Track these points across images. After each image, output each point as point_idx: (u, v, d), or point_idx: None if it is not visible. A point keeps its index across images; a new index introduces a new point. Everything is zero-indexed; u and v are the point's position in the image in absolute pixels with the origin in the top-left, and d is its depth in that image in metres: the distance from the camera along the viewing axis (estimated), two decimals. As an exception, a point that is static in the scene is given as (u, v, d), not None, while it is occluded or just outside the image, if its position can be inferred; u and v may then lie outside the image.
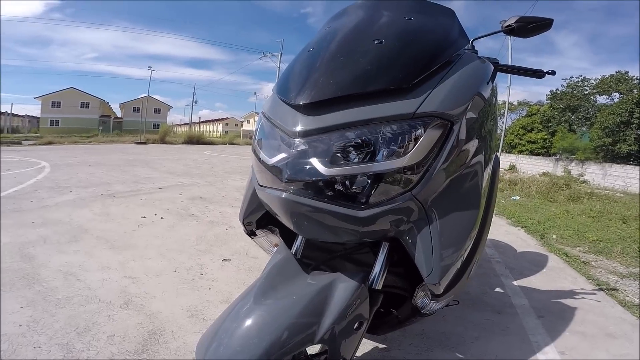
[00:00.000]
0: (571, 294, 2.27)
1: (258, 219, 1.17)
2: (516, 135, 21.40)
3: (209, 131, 50.44)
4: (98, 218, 3.37)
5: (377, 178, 0.76)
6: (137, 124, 29.87)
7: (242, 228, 1.23)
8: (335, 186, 0.78)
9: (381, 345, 1.57)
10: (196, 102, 40.92)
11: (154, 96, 40.40)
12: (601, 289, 2.35)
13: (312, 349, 0.96)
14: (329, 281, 0.86)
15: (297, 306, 0.80)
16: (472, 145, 0.89)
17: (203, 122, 55.79)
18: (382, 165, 0.75)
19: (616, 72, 19.66)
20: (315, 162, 0.77)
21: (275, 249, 1.11)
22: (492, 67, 1.10)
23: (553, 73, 1.33)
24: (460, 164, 0.86)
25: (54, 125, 33.63)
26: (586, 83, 20.85)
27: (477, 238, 1.00)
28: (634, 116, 14.77)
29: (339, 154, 0.77)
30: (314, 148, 0.79)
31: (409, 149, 0.76)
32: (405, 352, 1.54)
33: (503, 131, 16.91)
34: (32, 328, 1.53)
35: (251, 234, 1.25)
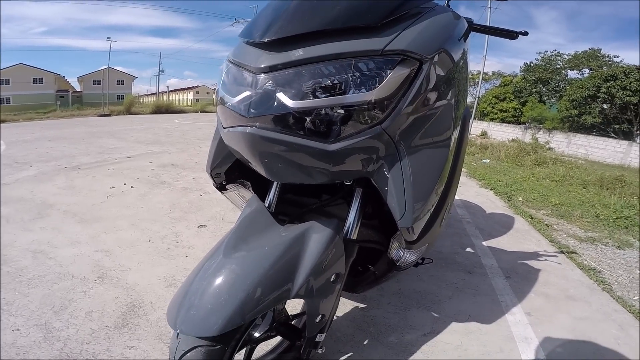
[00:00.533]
0: (535, 255, 2.40)
1: (227, 171, 1.13)
2: (489, 104, 21.98)
3: (179, 100, 48.35)
4: (63, 192, 3.19)
5: (347, 113, 0.75)
6: (98, 97, 28.03)
7: (211, 181, 1.19)
8: (304, 122, 0.75)
9: (361, 305, 1.63)
10: (163, 71, 38.91)
11: (116, 67, 38.01)
12: (562, 252, 2.50)
13: (293, 310, 0.97)
14: (302, 231, 0.84)
15: (270, 258, 0.78)
16: (441, 89, 0.88)
17: (172, 91, 53.28)
18: (351, 98, 0.74)
19: (589, 49, 20.40)
20: (281, 97, 0.75)
21: (247, 204, 1.08)
22: (466, 24, 1.09)
23: (525, 33, 1.33)
24: (428, 104, 0.85)
25: (5, 103, 31.03)
26: (559, 58, 21.54)
27: (446, 186, 1.02)
28: (601, 91, 15.51)
29: (306, 89, 0.74)
30: (280, 83, 0.76)
31: (378, 85, 0.75)
32: (384, 311, 1.60)
33: (477, 99, 17.28)
34: (7, 310, 1.46)
35: (221, 187, 1.22)
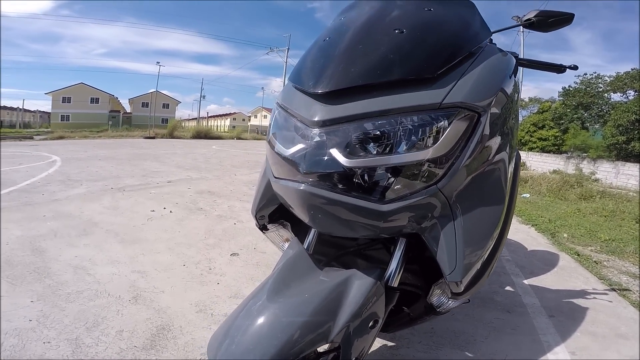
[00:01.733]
0: (582, 293, 2.23)
1: (270, 213, 1.15)
2: (527, 132, 21.06)
3: (217, 126, 50.65)
4: (108, 212, 3.40)
5: (399, 171, 0.73)
6: (145, 119, 30.19)
7: (254, 222, 1.21)
8: (355, 179, 0.74)
9: (390, 343, 1.56)
10: (204, 97, 41.37)
11: (163, 91, 40.80)
12: (613, 289, 2.31)
13: (321, 347, 0.96)
14: (344, 278, 0.84)
15: (311, 304, 0.78)
16: (497, 140, 0.85)
17: (211, 117, 56.00)
18: (406, 157, 0.72)
19: (632, 70, 19.25)
20: (334, 153, 0.74)
21: (286, 243, 1.10)
22: (514, 61, 1.06)
23: (575, 68, 1.29)
24: (484, 159, 0.82)
25: (65, 120, 34.23)
26: (600, 80, 20.42)
27: (498, 237, 0.98)
28: (649, 114, 14.43)
29: (359, 145, 0.73)
30: (333, 138, 0.75)
31: (434, 141, 0.72)
32: (414, 350, 1.52)
33: (514, 128, 16.66)
34: (42, 323, 1.54)
35: (263, 228, 1.23)
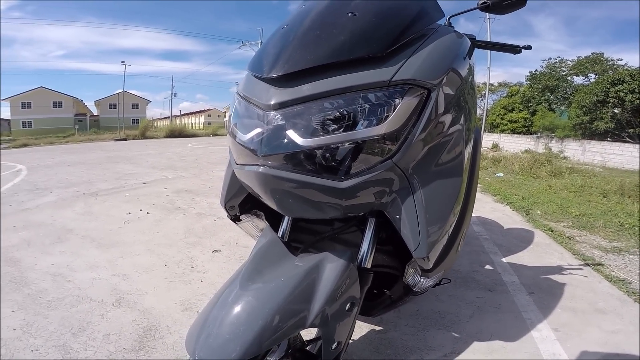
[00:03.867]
0: (559, 269, 2.32)
1: (241, 203, 1.14)
2: (498, 115, 21.80)
3: (191, 123, 49.54)
4: (82, 217, 3.27)
5: (357, 148, 0.75)
6: (115, 121, 28.94)
7: (225, 214, 1.20)
8: (315, 159, 0.75)
9: (377, 327, 1.59)
10: (175, 94, 40.12)
11: (131, 91, 39.03)
12: (587, 264, 2.42)
13: (308, 335, 0.96)
14: (317, 261, 0.84)
15: (286, 289, 0.78)
16: (450, 116, 0.88)
17: (184, 114, 54.65)
18: (361, 133, 0.74)
19: (592, 54, 20.34)
20: (291, 134, 0.75)
21: (261, 234, 1.09)
22: (469, 42, 1.10)
23: (529, 48, 1.34)
24: (439, 132, 0.85)
25: (27, 126, 32.23)
26: (563, 64, 21.41)
27: (462, 210, 1.00)
28: (610, 95, 15.27)
29: (316, 125, 0.74)
30: (289, 120, 0.76)
31: (387, 117, 0.74)
32: (401, 332, 1.56)
33: (485, 112, 17.20)
34: (27, 331, 1.50)
35: (235, 219, 1.23)
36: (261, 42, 24.00)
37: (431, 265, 0.90)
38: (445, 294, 1.91)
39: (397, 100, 0.75)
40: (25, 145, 14.45)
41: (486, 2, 1.14)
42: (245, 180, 0.90)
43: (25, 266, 2.15)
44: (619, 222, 3.48)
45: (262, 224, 1.27)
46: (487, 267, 2.34)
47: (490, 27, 16.40)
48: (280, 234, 1.05)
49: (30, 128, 31.33)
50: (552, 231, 3.15)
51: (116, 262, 2.25)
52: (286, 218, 1.06)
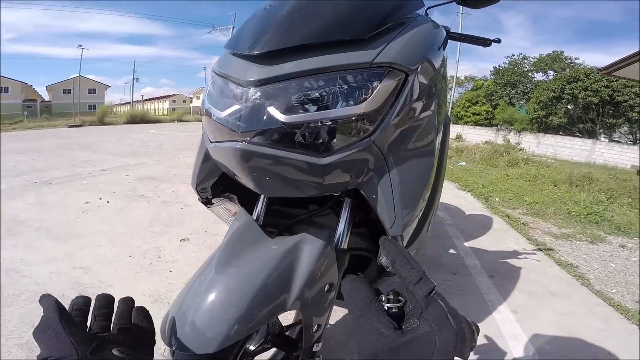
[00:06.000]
0: (515, 254, 2.49)
1: (213, 185, 1.11)
2: (462, 107, 22.71)
3: (155, 109, 47.16)
4: (34, 208, 3.04)
5: (337, 126, 0.76)
6: (69, 107, 26.90)
7: (197, 196, 1.16)
8: (295, 136, 0.75)
9: (350, 312, 1.63)
10: (137, 79, 37.77)
11: (88, 76, 36.63)
12: (540, 249, 2.61)
13: (286, 320, 0.97)
14: (294, 244, 0.84)
15: (263, 272, 0.77)
16: (424, 101, 0.91)
17: (147, 100, 51.89)
18: (341, 111, 0.75)
19: (552, 52, 21.57)
20: (272, 111, 0.74)
21: (234, 218, 1.07)
22: (445, 33, 1.14)
23: (498, 41, 1.41)
24: (411, 116, 0.88)
25: (-33, 114, 29.33)
26: (526, 61, 22.58)
27: (432, 191, 1.05)
28: (565, 92, 16.41)
29: (296, 103, 0.74)
30: (270, 97, 0.75)
31: (367, 98, 0.76)
32: (372, 315, 1.61)
33: (450, 104, 17.85)
34: None
35: (207, 202, 1.19)
36: (233, 27, 23.25)
37: (405, 244, 0.93)
38: (413, 278, 1.99)
39: (375, 83, 0.77)
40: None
41: None
42: (220, 159, 0.88)
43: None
44: (567, 209, 3.77)
45: (235, 207, 1.24)
46: (451, 251, 2.46)
47: (463, 22, 16.94)
48: (254, 216, 1.03)
49: (-29, 116, 28.51)
50: (508, 217, 3.35)
51: (76, 254, 2.12)
52: (260, 201, 1.05)
